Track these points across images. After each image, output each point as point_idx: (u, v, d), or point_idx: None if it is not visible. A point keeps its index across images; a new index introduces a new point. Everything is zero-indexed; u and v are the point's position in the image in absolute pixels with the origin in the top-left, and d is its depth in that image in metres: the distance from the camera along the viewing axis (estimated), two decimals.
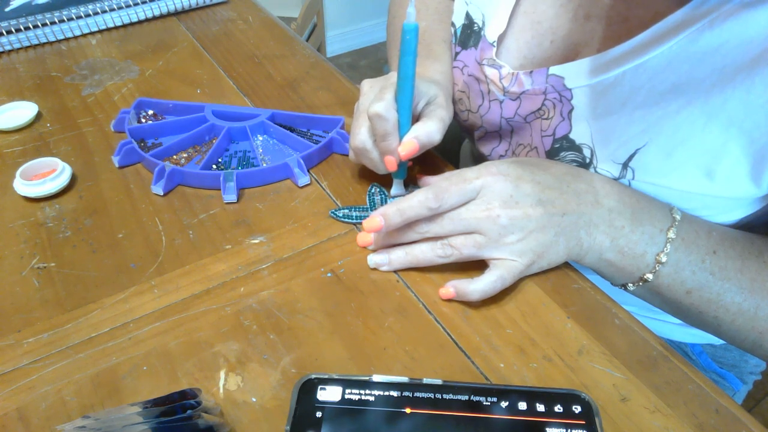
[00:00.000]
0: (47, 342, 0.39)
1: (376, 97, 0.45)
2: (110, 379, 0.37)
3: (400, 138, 0.45)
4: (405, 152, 0.45)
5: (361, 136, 0.46)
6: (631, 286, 0.44)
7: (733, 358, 0.61)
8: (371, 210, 0.49)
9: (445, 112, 0.47)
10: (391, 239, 0.45)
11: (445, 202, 0.40)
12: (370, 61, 2.41)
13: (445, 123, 0.47)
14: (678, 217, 0.42)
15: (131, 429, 0.29)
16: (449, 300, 0.42)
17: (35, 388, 0.36)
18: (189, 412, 0.30)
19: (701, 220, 0.44)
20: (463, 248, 0.41)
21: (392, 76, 0.47)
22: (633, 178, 0.43)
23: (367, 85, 0.49)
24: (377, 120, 0.44)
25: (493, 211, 0.40)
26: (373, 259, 0.44)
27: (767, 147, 0.37)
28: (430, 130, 0.45)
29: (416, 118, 0.47)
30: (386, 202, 0.50)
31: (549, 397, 0.33)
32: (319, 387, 0.34)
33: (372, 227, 0.42)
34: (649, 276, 0.42)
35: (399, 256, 0.44)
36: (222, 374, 0.37)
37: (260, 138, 0.58)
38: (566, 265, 0.44)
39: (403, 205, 0.41)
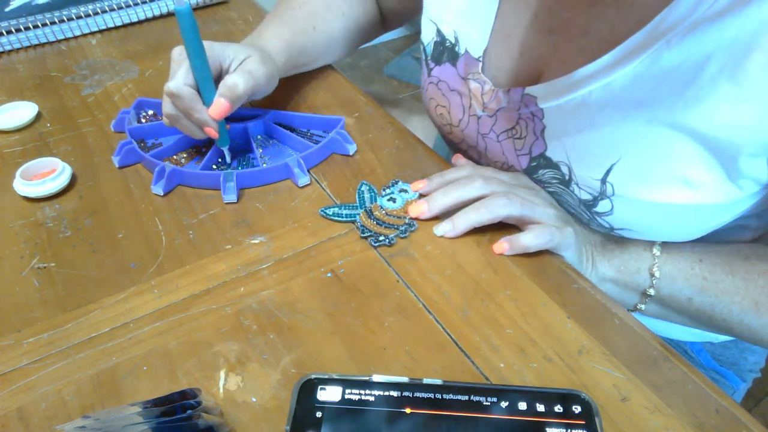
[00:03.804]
0: (47, 342, 0.39)
1: (171, 74, 0.48)
2: (110, 379, 0.37)
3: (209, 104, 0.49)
4: (214, 113, 0.49)
5: (166, 106, 0.50)
6: (642, 306, 0.49)
7: (733, 356, 0.61)
8: (360, 208, 0.49)
9: (260, 67, 0.50)
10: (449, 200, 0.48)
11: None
12: (370, 61, 2.41)
13: (255, 76, 0.50)
14: (657, 241, 0.48)
15: (131, 429, 0.29)
16: (500, 254, 0.45)
17: (35, 388, 0.36)
18: (189, 412, 0.30)
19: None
20: (524, 202, 0.44)
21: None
22: (613, 194, 0.44)
23: (176, 53, 0.50)
24: (174, 99, 0.48)
25: (541, 191, 0.49)
26: (441, 228, 0.46)
27: (735, 156, 0.38)
28: (232, 83, 0.48)
29: None
30: (375, 200, 0.50)
31: (549, 397, 0.33)
32: (319, 387, 0.34)
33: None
34: (651, 291, 0.47)
35: (463, 218, 0.46)
36: (222, 374, 0.37)
37: (260, 138, 0.58)
38: (566, 265, 0.44)
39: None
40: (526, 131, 0.48)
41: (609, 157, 0.43)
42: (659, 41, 0.37)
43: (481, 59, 0.51)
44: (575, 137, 0.44)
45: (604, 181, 0.44)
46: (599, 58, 0.40)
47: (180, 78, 0.48)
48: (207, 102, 0.49)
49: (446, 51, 0.54)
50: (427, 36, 0.56)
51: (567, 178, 0.46)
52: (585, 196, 0.46)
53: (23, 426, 0.34)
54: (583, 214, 0.48)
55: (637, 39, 0.38)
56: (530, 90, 0.46)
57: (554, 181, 0.48)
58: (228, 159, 0.54)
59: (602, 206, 0.45)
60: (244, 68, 0.50)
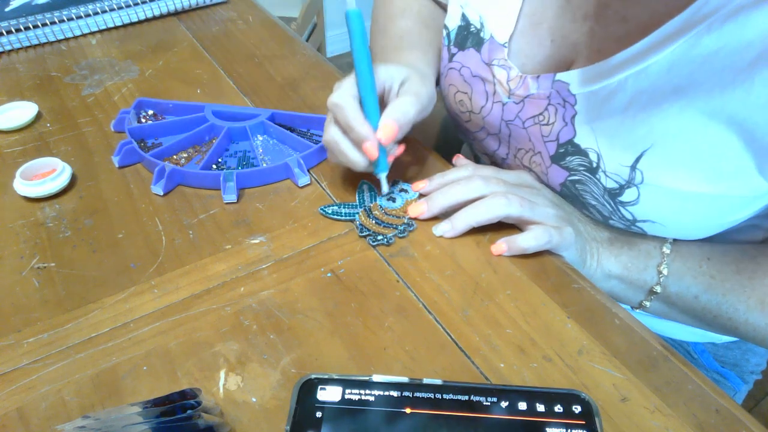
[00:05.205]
0: (47, 342, 0.39)
1: (334, 89, 0.46)
2: (110, 379, 0.37)
3: (375, 126, 0.45)
4: (384, 135, 0.45)
5: (329, 130, 0.47)
6: (647, 303, 0.49)
7: (734, 357, 0.61)
8: (360, 207, 0.49)
9: (422, 88, 0.48)
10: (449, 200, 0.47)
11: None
12: None
13: (421, 98, 0.47)
14: (668, 240, 0.48)
15: (131, 429, 0.29)
16: (499, 255, 0.45)
17: (35, 388, 0.36)
18: (189, 412, 0.30)
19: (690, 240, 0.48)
20: (523, 202, 0.44)
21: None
22: (642, 182, 0.43)
23: (337, 83, 0.49)
24: (336, 110, 0.45)
25: (543, 189, 0.49)
26: (440, 228, 0.46)
27: None
28: (403, 107, 0.46)
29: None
30: (375, 199, 0.50)
31: (549, 397, 0.33)
32: (319, 387, 0.34)
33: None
34: (657, 288, 0.47)
35: (461, 218, 0.45)
36: (222, 374, 0.37)
37: (260, 138, 0.58)
38: (566, 265, 0.44)
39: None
40: (555, 117, 0.47)
41: (641, 143, 0.42)
42: (699, 25, 0.36)
43: (506, 45, 0.50)
44: (607, 123, 0.43)
45: (633, 167, 0.43)
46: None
47: (345, 88, 0.45)
48: (369, 118, 0.45)
49: (471, 36, 0.53)
50: (453, 21, 0.55)
51: (594, 165, 0.45)
52: (611, 184, 0.45)
53: (23, 426, 0.34)
54: (605, 206, 0.47)
55: (676, 23, 0.38)
56: (562, 76, 0.45)
57: (581, 168, 0.47)
58: (385, 189, 0.49)
59: (628, 195, 0.44)
60: (410, 90, 0.47)
